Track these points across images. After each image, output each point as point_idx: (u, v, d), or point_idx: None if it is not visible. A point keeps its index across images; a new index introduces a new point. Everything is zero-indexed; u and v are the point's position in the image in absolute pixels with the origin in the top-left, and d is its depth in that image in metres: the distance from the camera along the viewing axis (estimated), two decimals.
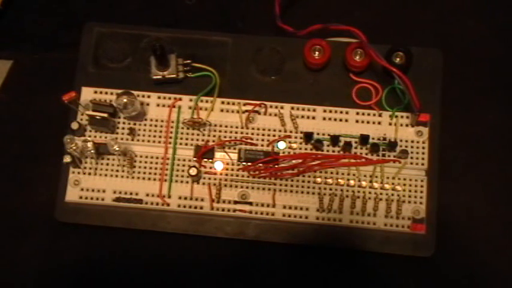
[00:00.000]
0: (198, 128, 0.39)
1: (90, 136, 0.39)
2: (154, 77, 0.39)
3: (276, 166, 0.39)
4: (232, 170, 0.39)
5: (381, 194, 0.38)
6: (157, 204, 0.39)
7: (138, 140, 0.39)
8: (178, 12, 0.44)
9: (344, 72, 0.40)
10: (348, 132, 0.39)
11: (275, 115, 0.39)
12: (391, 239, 0.38)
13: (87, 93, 0.40)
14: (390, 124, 0.39)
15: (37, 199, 0.40)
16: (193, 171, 0.38)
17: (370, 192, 0.38)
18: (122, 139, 0.39)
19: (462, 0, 0.44)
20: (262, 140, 0.39)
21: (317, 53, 0.39)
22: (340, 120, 0.39)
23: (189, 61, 0.40)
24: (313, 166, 0.38)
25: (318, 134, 0.39)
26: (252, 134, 0.39)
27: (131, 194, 0.39)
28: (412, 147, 0.39)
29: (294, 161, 0.39)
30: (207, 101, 0.40)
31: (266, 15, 0.42)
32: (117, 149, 0.37)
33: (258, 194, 0.39)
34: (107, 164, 0.39)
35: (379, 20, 0.43)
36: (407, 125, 0.39)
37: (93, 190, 0.39)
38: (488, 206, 0.40)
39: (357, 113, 0.39)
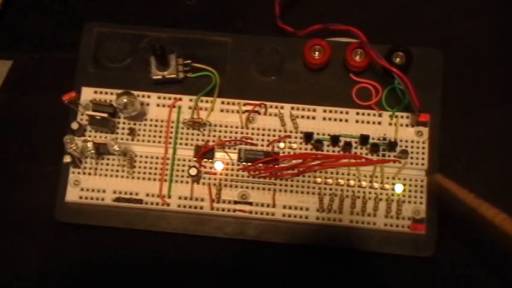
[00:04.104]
0: (198, 128, 0.39)
1: (90, 136, 0.39)
2: (154, 77, 0.39)
3: (276, 166, 0.39)
4: (232, 170, 0.39)
5: (381, 194, 0.38)
6: (157, 204, 0.39)
7: (138, 140, 0.39)
8: (178, 12, 0.44)
9: (344, 72, 0.40)
10: (348, 132, 0.39)
11: (275, 115, 0.39)
12: (391, 239, 0.38)
13: (87, 93, 0.40)
14: (390, 124, 0.39)
15: (37, 199, 0.40)
16: (193, 171, 0.38)
17: (370, 192, 0.38)
18: (122, 139, 0.39)
19: (462, 1, 0.44)
20: (262, 140, 0.39)
21: (317, 53, 0.39)
22: (340, 120, 0.39)
23: (189, 61, 0.40)
24: (313, 166, 0.38)
25: (318, 134, 0.39)
26: (252, 134, 0.39)
27: (131, 194, 0.39)
28: (412, 147, 0.39)
29: (294, 161, 0.39)
30: (207, 101, 0.40)
31: (266, 15, 0.42)
32: (117, 149, 0.37)
33: (258, 194, 0.39)
34: (107, 164, 0.39)
35: (379, 20, 0.43)
36: (407, 125, 0.39)
37: (93, 190, 0.39)
38: None
39: (357, 113, 0.39)
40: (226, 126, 0.39)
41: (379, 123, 0.39)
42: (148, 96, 0.40)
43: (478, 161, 0.40)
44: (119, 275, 0.39)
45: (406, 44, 0.39)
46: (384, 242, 0.38)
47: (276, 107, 0.40)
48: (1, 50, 0.44)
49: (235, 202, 0.39)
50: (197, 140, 0.39)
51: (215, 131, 0.39)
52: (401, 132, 0.39)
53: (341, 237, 0.38)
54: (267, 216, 0.38)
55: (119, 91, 0.38)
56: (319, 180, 0.38)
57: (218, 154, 0.39)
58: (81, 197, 0.39)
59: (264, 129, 0.39)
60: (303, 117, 0.39)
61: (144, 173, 0.39)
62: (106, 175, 0.39)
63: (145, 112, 0.40)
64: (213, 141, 0.39)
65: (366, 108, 0.39)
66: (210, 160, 0.39)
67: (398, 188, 0.38)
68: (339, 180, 0.38)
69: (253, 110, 0.39)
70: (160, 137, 0.39)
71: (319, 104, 0.39)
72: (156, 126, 0.40)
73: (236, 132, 0.39)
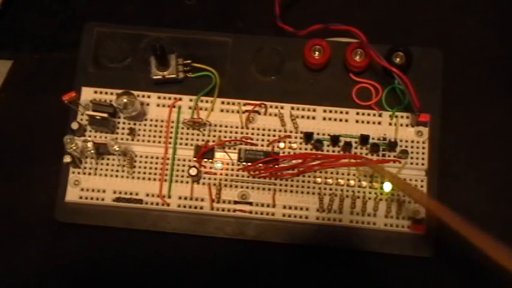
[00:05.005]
0: (198, 128, 0.39)
1: (90, 136, 0.39)
2: (155, 77, 0.39)
3: (276, 166, 0.39)
4: (232, 170, 0.39)
5: (381, 194, 0.38)
6: (157, 204, 0.39)
7: (138, 140, 0.39)
8: (178, 12, 0.44)
9: (344, 72, 0.40)
10: (348, 132, 0.39)
11: (275, 115, 0.39)
12: (391, 239, 0.38)
13: (87, 93, 0.40)
14: (390, 124, 0.39)
15: (37, 199, 0.40)
16: (193, 171, 0.38)
17: (370, 192, 0.38)
18: (122, 139, 0.39)
19: (462, 0, 0.44)
20: (262, 140, 0.39)
21: (317, 53, 0.39)
22: (340, 120, 0.39)
23: (189, 61, 0.40)
24: (313, 166, 0.38)
25: (318, 134, 0.39)
26: (252, 134, 0.39)
27: (131, 194, 0.39)
28: (412, 147, 0.39)
29: (294, 161, 0.39)
30: (207, 101, 0.40)
31: (266, 15, 0.42)
32: (117, 149, 0.37)
33: (258, 194, 0.39)
34: (107, 164, 0.39)
35: (379, 20, 0.43)
36: (407, 125, 0.39)
37: (93, 190, 0.39)
38: (489, 205, 0.40)
39: (357, 113, 0.39)
40: (226, 126, 0.39)
41: (379, 123, 0.39)
42: (149, 96, 0.40)
43: (478, 161, 0.40)
44: (118, 275, 0.39)
45: (406, 44, 0.39)
46: (384, 242, 0.38)
47: (276, 107, 0.40)
48: (1, 50, 0.44)
49: (235, 202, 0.39)
50: (197, 140, 0.39)
51: (215, 131, 0.39)
52: (401, 132, 0.39)
53: (341, 237, 0.38)
54: (267, 216, 0.38)
55: (119, 91, 0.38)
56: (319, 180, 0.38)
57: (218, 154, 0.39)
58: (81, 197, 0.39)
59: (264, 129, 0.39)
60: (303, 117, 0.39)
61: (144, 173, 0.39)
62: (106, 175, 0.39)
63: (145, 112, 0.40)
64: (213, 141, 0.39)
65: (366, 108, 0.39)
66: (210, 160, 0.39)
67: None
68: (339, 180, 0.38)
69: (253, 110, 0.39)
70: (160, 137, 0.39)
71: (319, 104, 0.39)
72: (156, 126, 0.40)
73: (236, 132, 0.39)
